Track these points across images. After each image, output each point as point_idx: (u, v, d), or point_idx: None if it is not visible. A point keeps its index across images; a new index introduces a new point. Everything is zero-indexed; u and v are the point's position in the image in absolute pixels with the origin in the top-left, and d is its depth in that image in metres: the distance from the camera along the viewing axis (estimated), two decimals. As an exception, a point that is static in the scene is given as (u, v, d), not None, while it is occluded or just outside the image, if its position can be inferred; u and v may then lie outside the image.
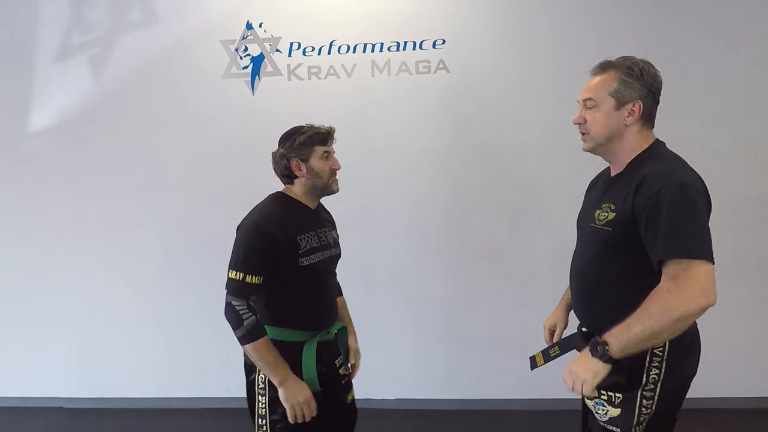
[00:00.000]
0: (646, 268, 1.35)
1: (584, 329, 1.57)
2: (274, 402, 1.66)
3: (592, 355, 1.32)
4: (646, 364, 1.39)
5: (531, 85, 2.87)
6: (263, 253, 1.63)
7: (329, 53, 2.95)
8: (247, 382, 1.75)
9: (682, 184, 1.31)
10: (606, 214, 1.43)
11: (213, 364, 3.12)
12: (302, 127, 1.77)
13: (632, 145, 1.45)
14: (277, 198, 1.79)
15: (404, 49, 2.92)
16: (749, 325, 2.88)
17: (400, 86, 2.93)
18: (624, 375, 1.38)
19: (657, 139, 1.49)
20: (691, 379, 1.47)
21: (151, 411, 3.10)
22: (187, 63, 3.01)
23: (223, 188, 3.05)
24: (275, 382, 1.63)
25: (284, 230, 1.65)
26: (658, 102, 1.47)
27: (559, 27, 2.85)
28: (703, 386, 2.86)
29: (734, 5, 2.76)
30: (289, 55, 2.97)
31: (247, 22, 2.96)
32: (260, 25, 2.97)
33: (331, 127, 1.79)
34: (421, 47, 2.92)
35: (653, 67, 1.46)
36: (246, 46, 2.98)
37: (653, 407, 1.40)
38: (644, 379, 1.39)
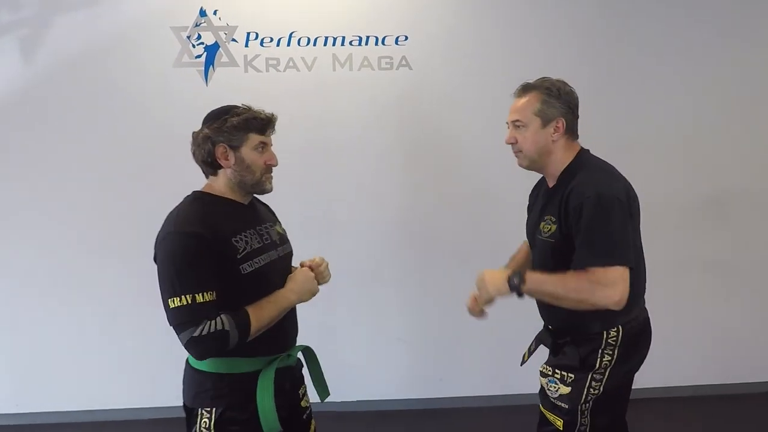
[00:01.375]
0: None
1: (550, 327, 1.72)
2: None
3: (507, 281, 1.47)
4: (600, 351, 1.54)
5: (494, 83, 2.89)
6: (199, 261, 1.31)
7: (288, 45, 2.85)
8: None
9: (599, 195, 1.45)
10: (549, 227, 1.57)
11: (162, 369, 2.92)
12: (237, 107, 1.47)
13: (561, 158, 1.60)
14: (194, 198, 1.47)
15: (366, 44, 2.87)
16: (693, 318, 3.06)
17: (362, 81, 2.87)
18: (578, 358, 1.56)
19: (582, 148, 1.65)
20: (640, 364, 1.67)
21: (92, 425, 2.88)
22: (133, 49, 2.80)
23: (172, 186, 2.83)
24: (288, 305, 1.44)
25: (212, 231, 1.34)
26: (578, 116, 1.63)
27: (521, 27, 2.90)
28: (652, 376, 3.06)
29: (686, 16, 2.92)
30: (246, 46, 2.83)
31: (201, 8, 2.80)
32: (215, 13, 2.81)
33: (272, 115, 1.49)
34: (383, 43, 2.87)
35: (568, 85, 1.61)
36: (199, 34, 2.81)
37: (601, 388, 1.56)
38: (597, 364, 1.55)
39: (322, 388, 1.65)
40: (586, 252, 1.43)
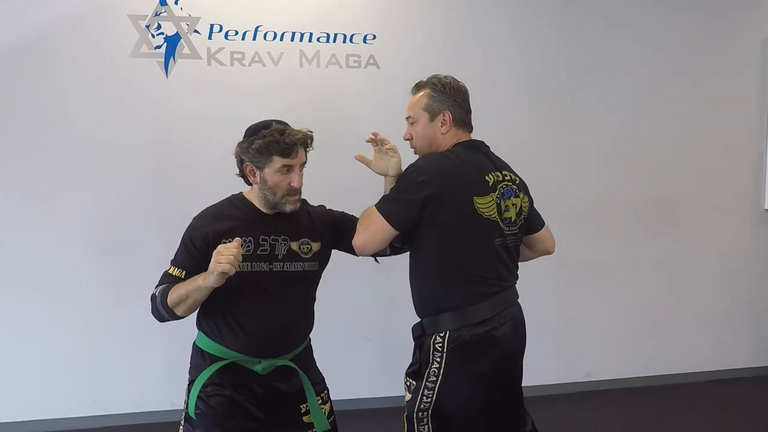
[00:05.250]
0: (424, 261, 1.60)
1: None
2: None
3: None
4: (430, 358, 1.52)
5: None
6: (188, 248, 1.49)
7: (254, 39, 2.78)
8: None
9: (412, 164, 1.56)
10: None
11: (118, 375, 2.79)
12: (269, 125, 1.49)
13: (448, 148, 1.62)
14: (230, 199, 1.59)
15: (334, 41, 2.84)
16: (645, 313, 3.23)
17: (329, 79, 2.84)
18: (417, 365, 1.56)
19: (469, 139, 1.64)
20: (481, 385, 1.51)
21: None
22: (87, 36, 2.65)
23: (129, 184, 2.74)
24: (207, 284, 1.37)
25: (213, 228, 1.48)
26: (469, 110, 1.65)
27: (488, 27, 2.96)
28: (608, 369, 3.20)
29: (636, 34, 3.09)
30: (210, 38, 2.74)
31: (161, -3, 2.68)
32: (176, 2, 2.70)
33: (304, 136, 1.50)
34: (351, 41, 2.85)
35: (457, 81, 1.64)
36: (159, 24, 2.69)
37: (433, 398, 1.50)
38: (427, 371, 1.52)
39: (315, 419, 1.59)
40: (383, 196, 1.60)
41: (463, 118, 1.62)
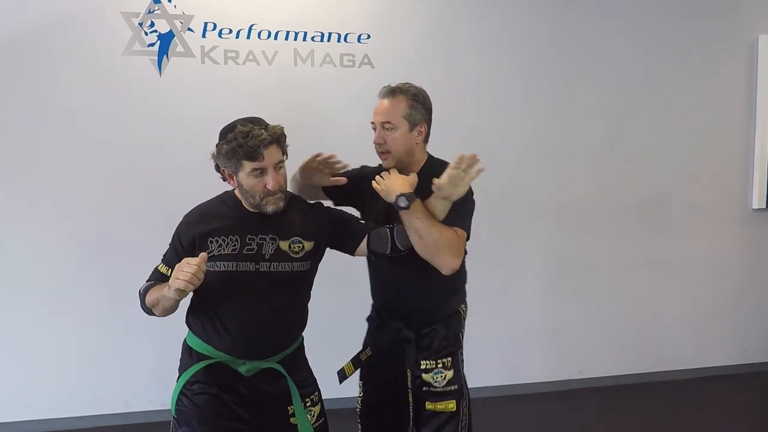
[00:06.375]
0: None
1: (411, 319, 1.69)
2: None
3: (406, 190, 1.51)
4: (461, 326, 1.73)
5: (455, 85, 2.96)
6: (176, 247, 1.50)
7: (248, 37, 2.77)
8: None
9: None
10: None
11: (109, 376, 2.77)
12: (235, 128, 1.40)
13: (418, 159, 1.71)
14: (222, 196, 1.56)
15: (328, 40, 2.84)
16: (635, 311, 3.27)
17: (323, 78, 2.84)
18: (452, 340, 1.69)
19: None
20: None
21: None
22: (79, 33, 2.63)
23: (121, 182, 2.72)
24: (169, 296, 1.34)
25: (200, 227, 1.47)
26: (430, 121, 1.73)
27: (482, 27, 2.98)
28: (598, 366, 3.21)
29: (625, 36, 3.13)
30: (203, 36, 2.73)
31: (154, -6, 2.67)
32: (169, 0, 2.68)
33: (269, 136, 1.39)
34: (346, 40, 2.86)
35: (428, 94, 1.70)
36: (152, 21, 2.68)
37: (463, 359, 1.73)
38: (462, 340, 1.73)
39: (299, 424, 1.55)
40: (454, 215, 1.56)
41: (429, 132, 1.71)
